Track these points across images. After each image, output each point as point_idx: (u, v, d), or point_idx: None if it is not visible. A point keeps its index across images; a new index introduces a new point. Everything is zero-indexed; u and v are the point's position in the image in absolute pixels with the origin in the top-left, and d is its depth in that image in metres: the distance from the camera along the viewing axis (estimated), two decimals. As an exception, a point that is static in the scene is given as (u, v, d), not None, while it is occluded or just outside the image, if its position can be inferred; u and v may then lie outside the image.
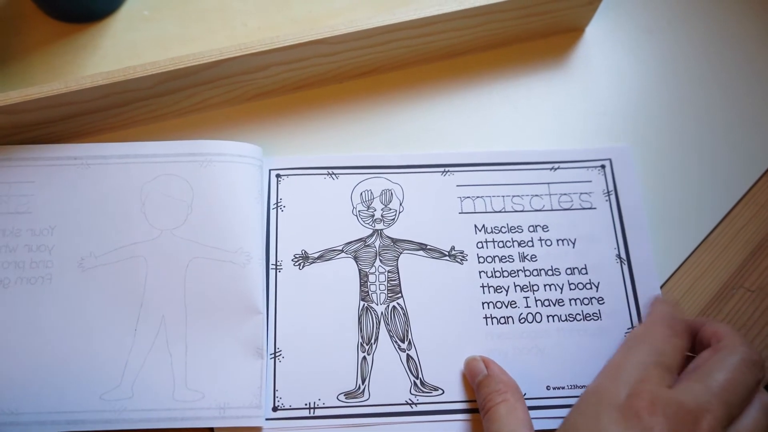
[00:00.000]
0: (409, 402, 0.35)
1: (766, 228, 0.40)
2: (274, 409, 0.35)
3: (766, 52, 0.45)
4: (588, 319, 0.37)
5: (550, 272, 0.38)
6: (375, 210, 0.39)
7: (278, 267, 0.38)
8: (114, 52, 0.44)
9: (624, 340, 0.33)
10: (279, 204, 0.39)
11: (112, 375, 0.35)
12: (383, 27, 0.39)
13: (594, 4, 0.43)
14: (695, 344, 0.33)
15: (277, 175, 0.40)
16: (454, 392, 0.35)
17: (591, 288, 0.38)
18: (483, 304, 0.38)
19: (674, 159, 0.42)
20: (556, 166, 0.41)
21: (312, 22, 0.46)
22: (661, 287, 0.39)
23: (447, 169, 0.41)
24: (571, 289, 0.38)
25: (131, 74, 0.37)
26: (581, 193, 0.40)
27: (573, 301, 0.38)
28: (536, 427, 0.34)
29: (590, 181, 0.41)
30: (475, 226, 0.39)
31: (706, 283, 0.39)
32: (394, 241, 0.39)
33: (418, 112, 0.43)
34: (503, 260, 0.39)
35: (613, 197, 0.40)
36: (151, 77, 0.38)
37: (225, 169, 0.38)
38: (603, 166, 0.41)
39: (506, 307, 0.38)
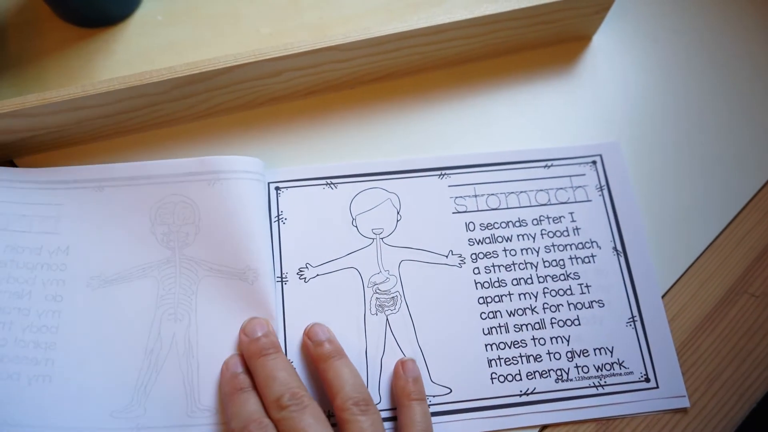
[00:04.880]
0: None
1: (771, 234, 0.41)
2: None
3: (770, 62, 0.46)
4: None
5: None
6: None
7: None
8: (128, 57, 0.45)
9: None
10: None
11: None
12: (395, 34, 0.39)
13: (601, 14, 0.44)
14: None
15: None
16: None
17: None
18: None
19: (680, 165, 0.43)
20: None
21: (323, 28, 0.46)
22: (666, 293, 0.39)
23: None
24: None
25: (147, 79, 0.38)
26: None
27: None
28: (550, 421, 0.36)
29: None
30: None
31: (711, 288, 0.40)
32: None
33: (426, 118, 0.44)
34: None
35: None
36: (167, 82, 0.38)
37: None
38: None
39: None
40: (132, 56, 0.45)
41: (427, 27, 0.40)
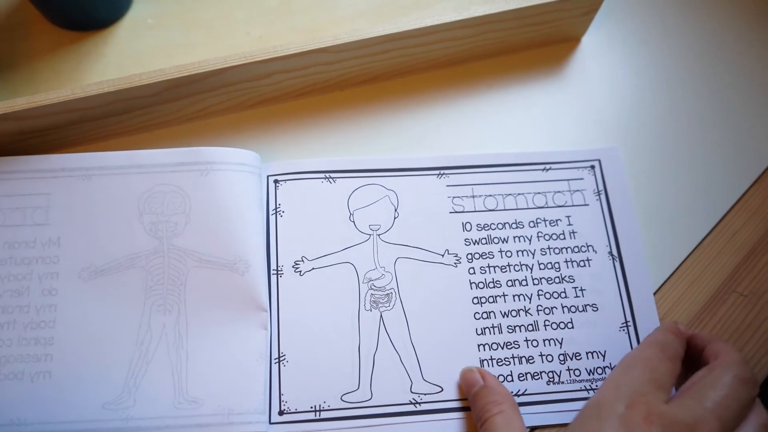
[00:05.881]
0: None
1: (758, 233, 0.41)
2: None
3: (758, 61, 0.47)
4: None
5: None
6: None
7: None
8: (118, 60, 0.45)
9: (621, 360, 0.34)
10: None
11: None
12: (384, 36, 0.40)
13: (590, 15, 0.44)
14: (699, 361, 0.34)
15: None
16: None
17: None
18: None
19: (668, 166, 0.43)
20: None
21: (313, 31, 0.46)
22: (656, 292, 0.39)
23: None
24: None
25: (137, 81, 0.38)
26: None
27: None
28: (539, 423, 0.36)
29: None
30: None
31: (699, 288, 0.40)
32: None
33: (417, 119, 0.44)
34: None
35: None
36: (157, 84, 0.38)
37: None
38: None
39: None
40: (122, 59, 0.45)
41: (416, 29, 0.40)
